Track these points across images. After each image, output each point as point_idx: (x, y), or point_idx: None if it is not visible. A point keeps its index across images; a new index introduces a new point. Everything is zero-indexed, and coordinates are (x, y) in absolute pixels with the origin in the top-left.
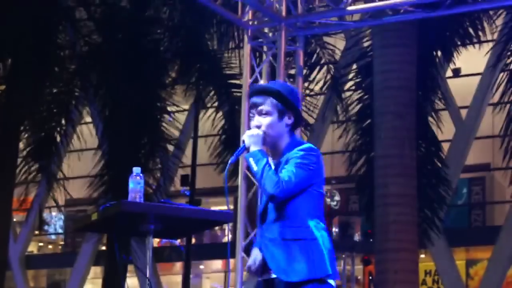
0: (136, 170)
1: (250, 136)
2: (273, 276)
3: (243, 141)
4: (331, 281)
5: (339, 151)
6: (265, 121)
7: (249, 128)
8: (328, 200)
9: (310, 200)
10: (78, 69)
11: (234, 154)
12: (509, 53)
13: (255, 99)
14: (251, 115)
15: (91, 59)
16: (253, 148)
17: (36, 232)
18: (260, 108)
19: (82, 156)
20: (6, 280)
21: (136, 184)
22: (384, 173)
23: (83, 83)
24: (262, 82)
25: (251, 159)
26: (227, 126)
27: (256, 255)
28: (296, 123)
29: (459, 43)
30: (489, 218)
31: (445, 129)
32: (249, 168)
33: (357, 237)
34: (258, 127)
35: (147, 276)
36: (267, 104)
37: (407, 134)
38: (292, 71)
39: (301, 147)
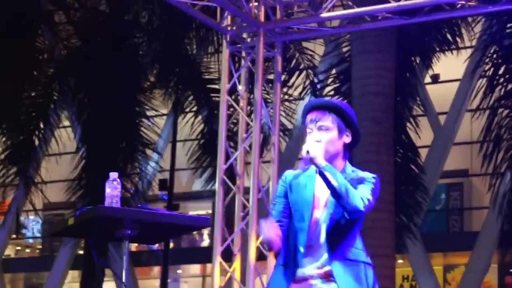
0: (113, 175)
1: (315, 148)
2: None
3: (308, 152)
4: None
5: None
6: (325, 136)
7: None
8: None
9: (360, 226)
10: (57, 73)
11: (304, 164)
12: (487, 59)
13: (316, 114)
14: (309, 130)
15: (70, 63)
16: (320, 161)
17: (14, 235)
18: (320, 123)
19: (60, 160)
20: None
21: (113, 189)
22: None
23: (61, 87)
24: (240, 87)
25: (327, 173)
26: (205, 130)
27: None
28: (353, 143)
29: (437, 49)
30: (467, 223)
31: (423, 135)
32: (326, 181)
33: None
34: (318, 142)
35: (123, 281)
36: (328, 120)
37: (384, 139)
38: (271, 77)
39: (368, 174)
